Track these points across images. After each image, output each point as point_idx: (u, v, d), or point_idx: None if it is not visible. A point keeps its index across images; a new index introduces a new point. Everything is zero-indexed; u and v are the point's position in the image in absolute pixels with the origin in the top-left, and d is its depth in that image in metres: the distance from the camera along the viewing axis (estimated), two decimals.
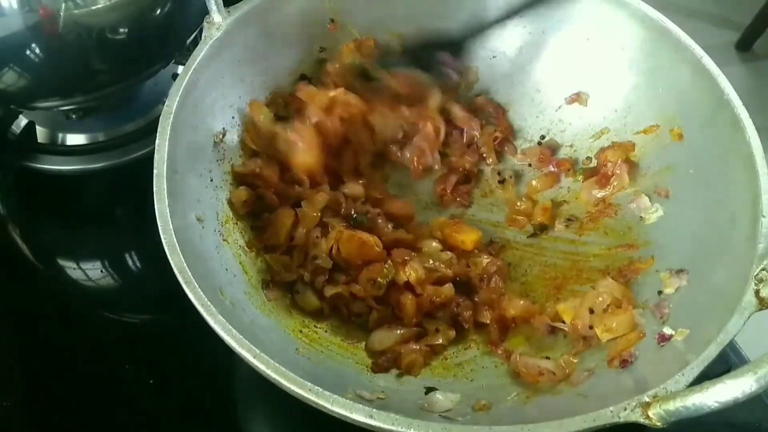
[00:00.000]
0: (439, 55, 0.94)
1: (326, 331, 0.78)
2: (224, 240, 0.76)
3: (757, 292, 0.60)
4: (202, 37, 0.78)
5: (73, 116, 0.99)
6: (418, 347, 0.75)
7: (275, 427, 0.83)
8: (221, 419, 0.79)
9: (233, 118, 0.83)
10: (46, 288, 0.91)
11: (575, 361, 0.70)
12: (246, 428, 0.80)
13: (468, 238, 0.85)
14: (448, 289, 0.79)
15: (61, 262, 0.93)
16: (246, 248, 0.79)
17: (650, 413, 0.51)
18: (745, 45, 2.79)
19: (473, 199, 0.93)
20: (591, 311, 0.74)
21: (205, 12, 0.78)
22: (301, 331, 0.75)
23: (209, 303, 0.59)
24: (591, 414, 0.53)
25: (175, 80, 0.74)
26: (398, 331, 0.76)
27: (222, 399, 0.80)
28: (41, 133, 1.01)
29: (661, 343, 0.66)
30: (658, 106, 0.83)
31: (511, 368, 0.73)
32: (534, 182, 0.92)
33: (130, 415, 0.78)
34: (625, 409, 0.53)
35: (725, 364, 0.79)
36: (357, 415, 0.54)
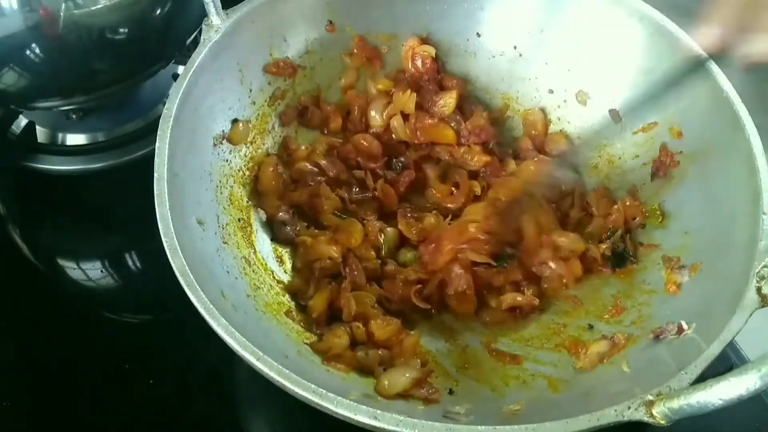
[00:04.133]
0: None
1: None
2: (224, 242, 0.76)
3: (759, 289, 0.61)
4: (201, 40, 0.78)
5: (74, 116, 0.99)
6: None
7: (275, 428, 0.83)
8: (221, 419, 0.79)
9: (233, 120, 0.83)
10: (46, 288, 0.91)
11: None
12: (246, 428, 0.80)
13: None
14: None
15: (61, 262, 0.93)
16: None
17: (654, 411, 0.52)
18: None
19: None
20: None
21: (205, 13, 0.78)
22: (304, 336, 0.75)
23: (211, 305, 0.59)
24: (595, 413, 0.53)
25: (175, 80, 0.74)
26: (406, 374, 0.72)
27: (222, 399, 0.81)
28: (41, 133, 1.00)
29: (662, 337, 0.66)
30: (657, 104, 0.83)
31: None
32: None
33: (131, 415, 0.78)
34: (629, 408, 0.53)
35: (725, 364, 0.80)
36: (361, 416, 0.54)
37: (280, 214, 0.85)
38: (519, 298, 0.80)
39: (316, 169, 0.89)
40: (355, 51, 0.93)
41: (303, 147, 0.90)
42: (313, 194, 0.87)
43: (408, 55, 0.93)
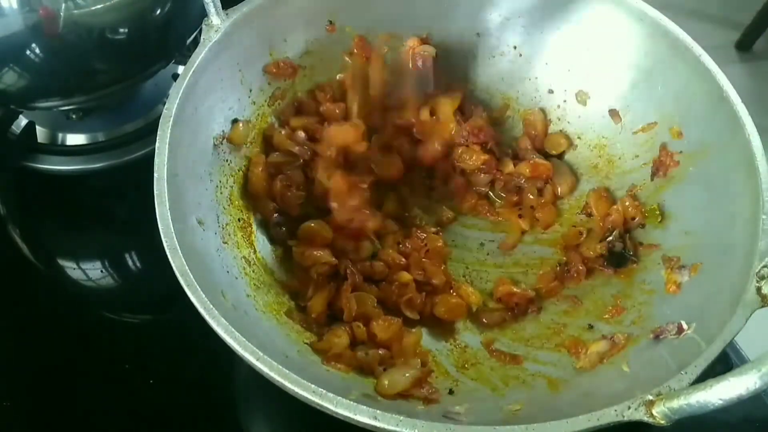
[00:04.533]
0: None
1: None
2: (224, 242, 0.76)
3: (759, 289, 0.60)
4: (201, 40, 0.77)
5: (73, 116, 0.98)
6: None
7: (275, 428, 0.83)
8: (221, 419, 0.79)
9: (233, 120, 0.83)
10: (46, 288, 0.91)
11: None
12: (246, 428, 0.80)
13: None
14: None
15: (61, 262, 0.93)
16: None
17: (654, 411, 0.51)
18: (745, 45, 2.79)
19: None
20: None
21: (205, 13, 0.78)
22: (305, 336, 0.75)
23: (211, 306, 0.59)
24: (595, 413, 0.53)
25: (175, 80, 0.74)
26: (406, 374, 0.71)
27: (222, 399, 0.80)
28: (41, 133, 1.00)
29: (662, 337, 0.66)
30: (656, 104, 0.84)
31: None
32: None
33: (130, 416, 0.79)
34: (629, 408, 0.53)
35: (725, 364, 0.80)
36: (361, 416, 0.54)
37: (275, 215, 0.84)
38: (514, 289, 0.81)
39: (290, 158, 0.87)
40: (355, 51, 0.93)
41: (281, 132, 0.88)
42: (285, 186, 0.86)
43: (408, 55, 0.93)
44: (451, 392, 0.72)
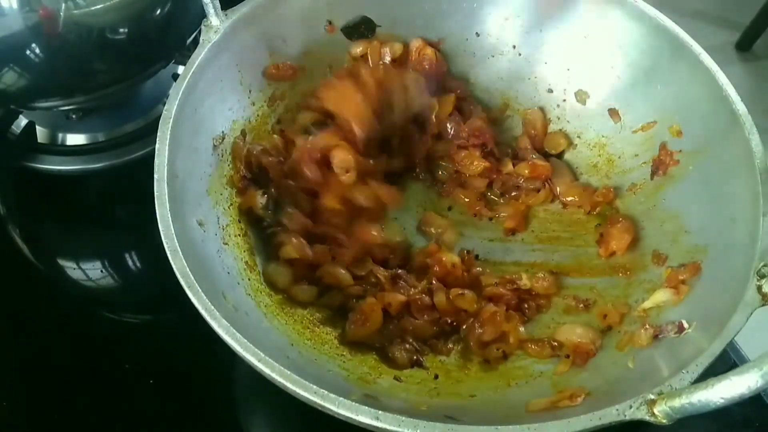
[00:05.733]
0: None
1: (334, 338, 0.78)
2: (225, 243, 0.76)
3: (759, 287, 0.60)
4: (200, 41, 0.77)
5: (73, 116, 0.99)
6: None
7: (275, 428, 0.83)
8: (221, 419, 0.79)
9: (233, 121, 0.83)
10: (46, 288, 0.90)
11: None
12: (246, 428, 0.80)
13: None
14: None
15: (61, 262, 0.93)
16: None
17: (656, 410, 0.51)
18: (745, 45, 2.79)
19: None
20: None
21: (204, 13, 0.78)
22: (305, 337, 0.75)
23: (213, 307, 0.59)
24: (597, 412, 0.53)
25: (175, 80, 0.74)
26: None
27: (222, 399, 0.80)
28: (41, 133, 1.00)
29: (661, 336, 0.67)
30: (656, 103, 0.84)
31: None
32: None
33: (130, 416, 0.79)
34: (631, 407, 0.53)
35: (726, 364, 0.80)
36: (363, 417, 0.54)
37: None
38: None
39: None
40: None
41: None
42: None
43: (414, 55, 0.92)
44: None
